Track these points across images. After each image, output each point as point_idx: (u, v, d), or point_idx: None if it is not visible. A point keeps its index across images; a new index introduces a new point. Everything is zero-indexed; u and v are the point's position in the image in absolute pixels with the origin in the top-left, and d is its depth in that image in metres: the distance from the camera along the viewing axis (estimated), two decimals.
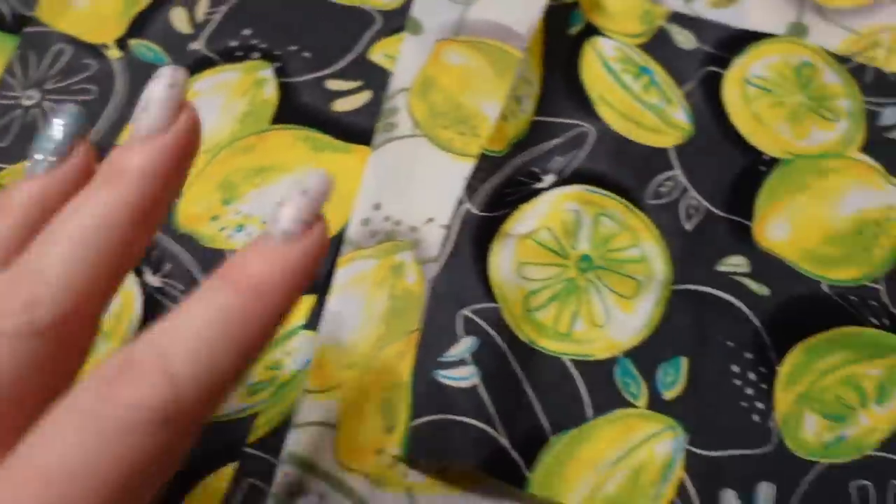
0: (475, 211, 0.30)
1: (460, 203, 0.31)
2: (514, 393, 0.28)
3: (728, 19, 0.36)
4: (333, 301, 0.30)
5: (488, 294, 0.29)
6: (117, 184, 0.18)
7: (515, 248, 0.30)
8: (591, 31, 0.35)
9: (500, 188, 0.31)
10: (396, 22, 0.35)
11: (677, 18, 0.36)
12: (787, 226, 0.32)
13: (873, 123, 0.34)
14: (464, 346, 0.28)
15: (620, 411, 0.28)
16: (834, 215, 0.32)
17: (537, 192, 0.31)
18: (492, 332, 0.28)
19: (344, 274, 0.30)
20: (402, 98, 0.33)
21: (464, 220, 0.30)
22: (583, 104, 0.33)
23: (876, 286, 0.31)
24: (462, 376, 0.28)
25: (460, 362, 0.28)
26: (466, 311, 0.29)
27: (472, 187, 0.31)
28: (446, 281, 0.29)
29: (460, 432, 0.27)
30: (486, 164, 0.31)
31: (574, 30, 0.35)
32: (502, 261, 0.30)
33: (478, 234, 0.30)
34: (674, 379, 0.29)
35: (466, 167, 0.31)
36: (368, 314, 0.30)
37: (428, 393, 0.27)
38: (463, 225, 0.30)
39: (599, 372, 0.29)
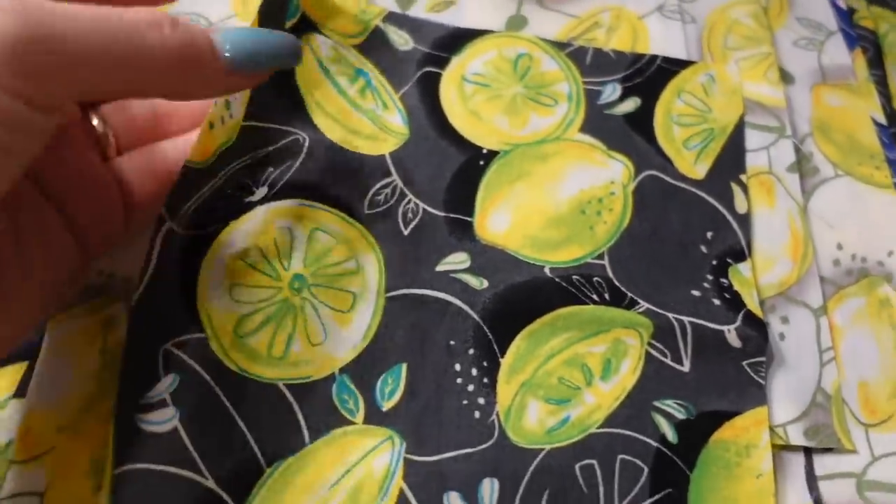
0: (180, 230, 0.28)
1: (160, 222, 0.28)
2: (222, 429, 0.27)
3: (446, 20, 0.36)
4: (41, 364, 0.28)
5: (195, 322, 0.28)
6: None
7: (226, 268, 0.29)
8: (308, 25, 0.33)
9: (210, 202, 0.29)
10: None
11: (393, 18, 0.36)
12: (507, 216, 0.32)
13: (593, 103, 0.34)
14: (164, 385, 0.27)
15: (338, 430, 0.27)
16: (555, 198, 0.32)
17: (250, 205, 0.30)
18: (196, 365, 0.27)
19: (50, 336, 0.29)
20: None
21: (164, 240, 0.28)
22: (297, 108, 0.32)
23: (600, 262, 0.31)
24: (161, 419, 0.26)
25: (160, 403, 0.27)
26: (168, 346, 0.27)
27: (173, 207, 0.28)
28: (146, 312, 0.27)
29: (161, 482, 0.26)
30: (191, 178, 0.29)
31: (290, 22, 0.33)
32: (212, 283, 0.28)
33: (183, 256, 0.28)
34: (393, 388, 0.28)
35: None
36: (79, 372, 0.28)
37: (129, 441, 0.26)
38: (164, 246, 0.28)
39: (316, 393, 0.28)
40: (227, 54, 0.24)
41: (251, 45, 0.24)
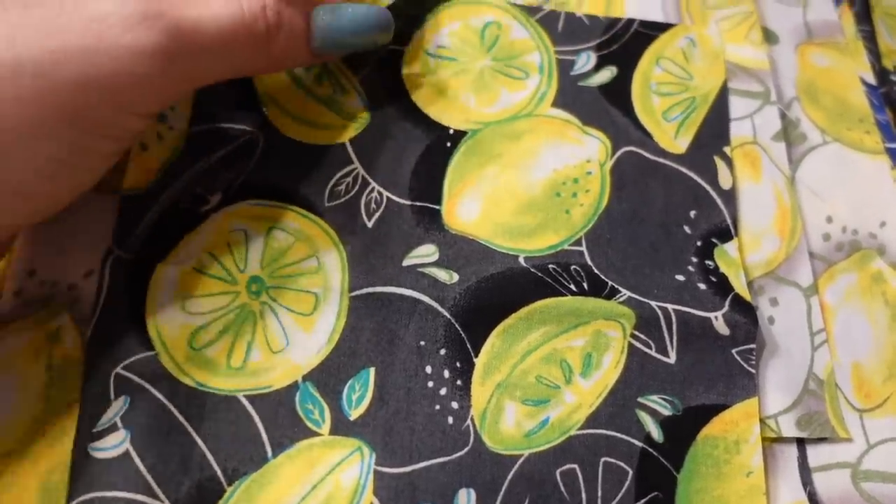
0: (127, 256, 0.27)
1: (108, 254, 0.27)
2: (178, 447, 0.25)
3: None
4: None
5: (144, 342, 0.26)
6: None
7: (177, 281, 0.27)
8: None
9: (159, 222, 0.28)
10: None
11: None
12: (477, 202, 0.29)
13: (566, 75, 0.32)
14: (114, 409, 0.25)
15: (303, 443, 0.26)
16: (528, 181, 0.30)
17: (205, 215, 0.28)
18: (146, 385, 0.25)
19: None
20: None
21: (112, 268, 0.27)
22: (249, 104, 0.30)
23: (578, 248, 0.29)
24: (111, 444, 0.25)
25: (110, 428, 0.25)
26: (118, 369, 0.26)
27: (120, 236, 0.27)
28: (98, 340, 0.26)
29: None
30: (134, 206, 0.28)
31: None
32: (162, 300, 0.27)
33: (131, 278, 0.27)
34: (361, 395, 0.26)
35: None
36: (25, 393, 0.26)
37: (82, 472, 0.25)
38: (112, 274, 0.27)
39: (279, 404, 0.26)
40: (316, 44, 0.26)
41: (340, 35, 0.27)
